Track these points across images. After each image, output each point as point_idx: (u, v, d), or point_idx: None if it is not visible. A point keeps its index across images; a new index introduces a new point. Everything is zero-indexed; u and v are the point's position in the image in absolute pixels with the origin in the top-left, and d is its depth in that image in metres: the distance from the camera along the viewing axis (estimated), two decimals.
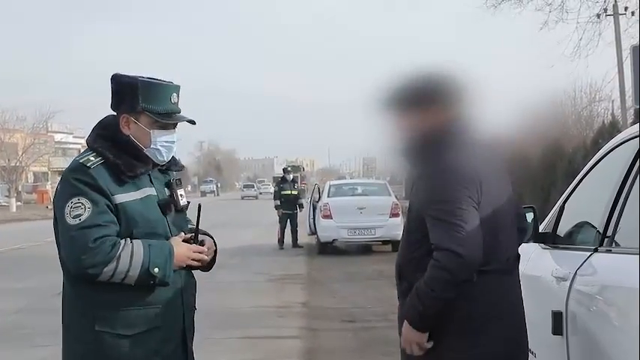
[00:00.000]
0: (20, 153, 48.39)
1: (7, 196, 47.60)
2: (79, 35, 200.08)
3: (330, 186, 16.98)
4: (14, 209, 43.18)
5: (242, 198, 61.22)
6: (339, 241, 15.34)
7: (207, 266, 2.91)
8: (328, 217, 15.03)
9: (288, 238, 16.84)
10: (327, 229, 15.05)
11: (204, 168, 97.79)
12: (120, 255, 2.59)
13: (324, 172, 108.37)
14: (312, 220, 15.75)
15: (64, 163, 58.88)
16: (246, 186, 70.05)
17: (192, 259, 2.80)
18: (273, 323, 8.09)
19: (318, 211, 15.47)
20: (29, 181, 58.96)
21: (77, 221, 2.58)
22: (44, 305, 9.25)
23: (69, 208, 2.60)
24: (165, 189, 2.86)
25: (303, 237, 16.69)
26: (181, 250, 2.76)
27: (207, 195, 70.07)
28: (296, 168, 49.67)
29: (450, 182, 2.63)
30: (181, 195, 2.89)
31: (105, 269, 2.57)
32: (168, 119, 2.79)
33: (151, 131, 2.77)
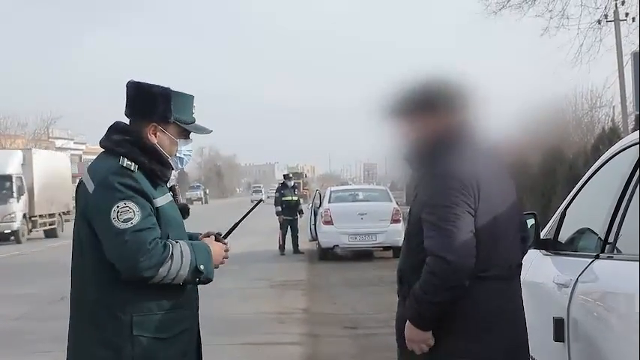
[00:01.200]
0: None
1: None
2: (78, 36, 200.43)
3: (330, 192, 16.98)
4: None
5: (252, 201, 64.74)
6: (340, 247, 15.32)
7: None
8: (329, 222, 15.01)
9: (289, 244, 16.84)
10: (328, 235, 15.03)
11: (205, 174, 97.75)
12: (172, 254, 2.64)
13: (324, 178, 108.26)
14: (313, 226, 15.75)
15: None
16: (255, 191, 78.83)
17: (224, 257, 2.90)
18: (274, 329, 8.08)
19: (319, 216, 15.46)
20: None
21: (129, 225, 2.59)
22: (46, 311, 9.25)
23: (115, 212, 2.60)
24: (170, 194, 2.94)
25: (304, 243, 16.68)
26: (216, 248, 2.84)
27: (194, 203, 65.27)
28: (298, 174, 50.11)
29: (446, 187, 2.65)
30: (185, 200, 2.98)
31: (160, 270, 2.61)
32: (194, 130, 2.87)
33: (178, 141, 2.84)
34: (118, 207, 2.60)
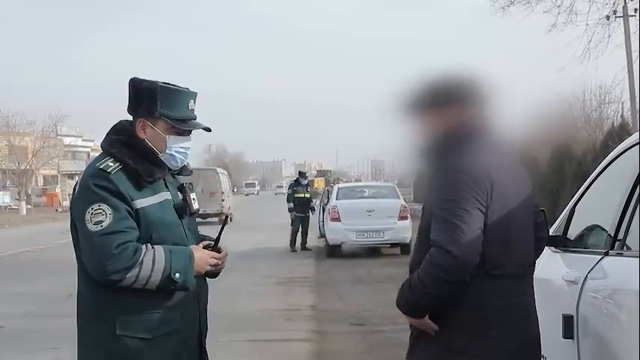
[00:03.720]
0: (30, 156, 48.62)
1: (17, 200, 47.79)
2: (85, 35, 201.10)
3: (338, 189, 16.96)
4: (24, 212, 43.34)
5: (275, 194, 78.51)
6: (347, 244, 15.31)
7: (215, 273, 2.92)
8: (337, 219, 15.01)
9: (298, 241, 16.86)
10: (336, 232, 15.03)
11: None
12: (142, 260, 2.60)
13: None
14: (321, 223, 15.75)
15: (73, 167, 59.20)
16: (278, 186, 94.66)
17: (211, 265, 2.82)
18: (282, 326, 8.09)
19: (326, 213, 15.47)
20: (39, 184, 59.20)
21: (99, 228, 2.58)
22: (53, 309, 9.27)
23: (89, 215, 2.59)
24: (179, 193, 2.87)
25: (313, 240, 16.69)
26: (201, 255, 2.79)
27: None
28: (321, 172, 51.18)
29: (458, 182, 2.63)
30: (193, 199, 2.91)
31: (128, 275, 2.58)
32: (184, 125, 2.80)
33: (167, 137, 2.78)
34: (92, 209, 2.60)
